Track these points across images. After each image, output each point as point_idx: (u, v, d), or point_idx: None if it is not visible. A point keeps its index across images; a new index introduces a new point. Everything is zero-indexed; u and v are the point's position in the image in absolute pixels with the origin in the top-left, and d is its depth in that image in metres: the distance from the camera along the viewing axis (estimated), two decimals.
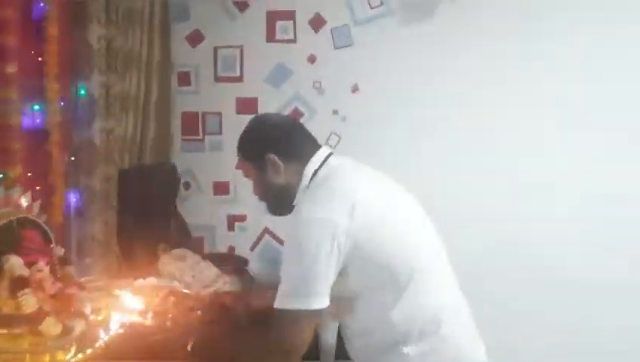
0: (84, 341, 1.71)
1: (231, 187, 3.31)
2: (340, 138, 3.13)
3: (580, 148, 2.98)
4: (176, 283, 2.39)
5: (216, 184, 3.32)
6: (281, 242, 3.28)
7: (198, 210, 3.31)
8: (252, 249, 3.31)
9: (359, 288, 1.23)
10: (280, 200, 1.39)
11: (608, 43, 2.94)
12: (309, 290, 1.17)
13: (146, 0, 2.80)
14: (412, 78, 3.03)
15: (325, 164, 1.34)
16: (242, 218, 3.32)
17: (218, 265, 2.99)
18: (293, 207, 1.36)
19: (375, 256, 1.21)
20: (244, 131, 1.45)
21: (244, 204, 3.30)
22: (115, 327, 1.84)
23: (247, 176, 1.46)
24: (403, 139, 3.03)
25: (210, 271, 2.94)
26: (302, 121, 3.18)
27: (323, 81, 3.15)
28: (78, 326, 1.72)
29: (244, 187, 3.28)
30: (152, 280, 2.37)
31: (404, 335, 1.21)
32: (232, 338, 1.44)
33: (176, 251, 2.96)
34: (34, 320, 1.60)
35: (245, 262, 3.29)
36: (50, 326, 1.62)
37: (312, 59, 3.15)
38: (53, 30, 2.08)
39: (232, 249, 3.34)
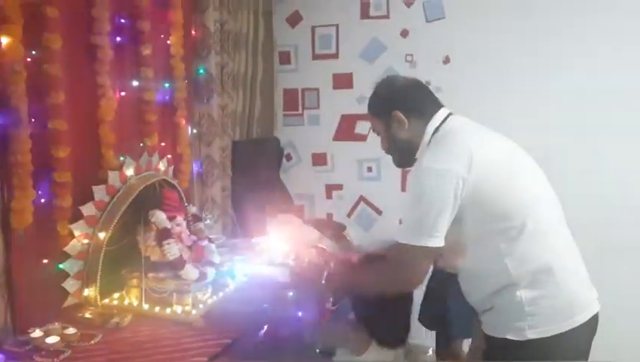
0: (218, 285, 1.91)
1: (328, 158, 3.42)
2: None
3: None
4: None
5: (314, 155, 3.45)
6: (375, 209, 3.36)
7: (299, 179, 3.46)
8: (349, 215, 3.41)
9: (475, 234, 1.27)
10: (404, 154, 1.47)
11: None
12: (427, 230, 1.24)
13: None
14: (503, 48, 2.94)
15: (445, 122, 1.40)
16: (339, 187, 3.42)
17: (318, 230, 3.15)
18: (416, 160, 1.43)
19: (490, 204, 1.25)
20: (374, 91, 1.53)
21: (341, 174, 3.41)
22: (240, 276, 2.02)
23: (375, 131, 1.55)
24: (496, 108, 2.96)
25: (312, 234, 3.09)
26: None
27: (415, 54, 3.14)
28: (211, 273, 1.91)
29: (341, 158, 3.41)
30: (265, 240, 2.55)
31: (517, 279, 1.24)
32: (357, 271, 1.55)
33: (282, 216, 3.14)
34: (176, 266, 1.80)
35: (343, 227, 3.41)
36: (190, 272, 1.82)
37: (404, 34, 3.15)
38: (177, 16, 2.26)
39: (330, 216, 3.46)
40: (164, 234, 1.81)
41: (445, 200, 1.23)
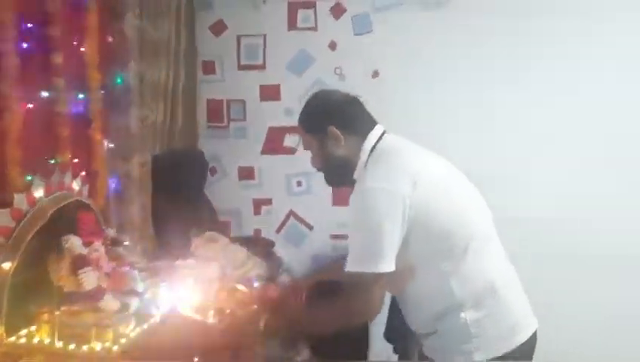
0: (141, 317, 1.78)
1: (256, 172, 3.36)
2: None
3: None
4: (213, 265, 2.45)
5: (241, 169, 3.37)
6: (306, 224, 3.34)
7: (225, 194, 3.37)
8: (278, 231, 3.37)
9: (419, 257, 1.28)
10: (339, 172, 1.45)
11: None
12: (376, 254, 1.23)
13: None
14: (432, 63, 3.06)
15: (381, 140, 1.40)
16: (267, 201, 3.37)
17: (246, 247, 3.08)
18: (351, 179, 1.42)
19: (436, 224, 1.27)
20: (307, 105, 1.50)
21: (270, 188, 3.36)
22: (166, 305, 1.91)
23: (307, 148, 1.51)
24: (424, 125, 3.06)
25: (240, 252, 3.00)
26: None
27: (344, 67, 3.18)
28: (134, 303, 1.78)
29: (269, 172, 3.36)
30: (190, 262, 2.43)
31: (461, 301, 1.26)
32: (302, 310, 1.49)
33: (208, 234, 3.02)
34: (94, 296, 1.66)
35: (272, 244, 3.36)
36: (110, 303, 1.68)
37: (332, 46, 3.18)
38: (93, 21, 2.11)
39: (258, 232, 3.40)
40: (79, 262, 1.66)
41: (393, 220, 1.23)
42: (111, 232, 1.94)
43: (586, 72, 2.95)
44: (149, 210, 2.67)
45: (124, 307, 1.73)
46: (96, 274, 1.70)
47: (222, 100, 3.34)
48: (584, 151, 2.96)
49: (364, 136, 1.41)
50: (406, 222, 1.24)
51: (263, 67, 3.27)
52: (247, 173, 3.37)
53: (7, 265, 1.56)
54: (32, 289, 1.65)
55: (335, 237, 3.31)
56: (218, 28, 3.27)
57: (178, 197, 2.90)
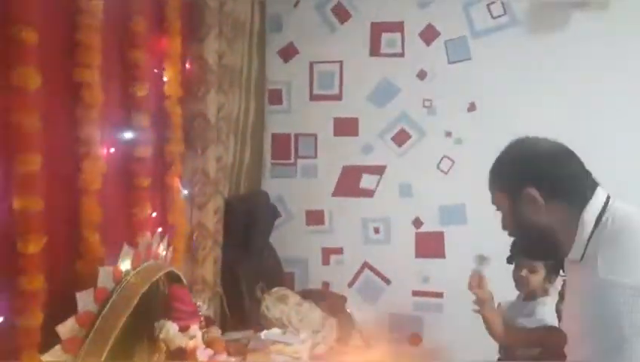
0: None
1: (326, 216, 3.02)
2: (453, 162, 2.84)
3: None
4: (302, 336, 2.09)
5: (309, 213, 3.04)
6: (382, 277, 2.98)
7: (290, 241, 3.03)
8: (350, 285, 3.01)
9: None
10: (538, 243, 1.22)
11: None
12: None
13: (247, 11, 2.54)
14: (539, 92, 2.72)
15: (608, 208, 1.09)
16: (338, 251, 3.02)
17: (313, 303, 2.72)
18: (553, 253, 1.22)
19: None
20: (502, 154, 1.24)
21: (341, 236, 3.01)
22: None
23: (497, 206, 1.25)
24: None
25: (314, 313, 2.64)
26: (409, 143, 2.93)
27: (434, 99, 2.86)
28: None
29: (341, 216, 3.01)
30: (276, 333, 2.08)
31: None
32: None
33: (277, 291, 2.67)
34: None
35: (343, 299, 3.00)
36: None
37: (422, 75, 2.87)
38: (175, 45, 1.81)
39: (326, 285, 3.04)
40: (179, 356, 1.32)
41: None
42: (203, 308, 1.59)
43: None
44: (219, 264, 2.33)
45: None
46: None
47: (289, 134, 3.02)
48: None
49: (576, 202, 1.14)
50: None
51: (338, 97, 2.96)
52: (316, 218, 3.03)
53: None
54: None
55: (417, 293, 2.94)
56: (288, 52, 2.98)
57: (248, 249, 2.56)
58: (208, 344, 1.51)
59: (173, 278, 1.57)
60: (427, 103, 2.87)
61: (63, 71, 1.31)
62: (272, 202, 2.99)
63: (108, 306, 1.29)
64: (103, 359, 1.23)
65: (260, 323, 2.42)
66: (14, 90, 1.10)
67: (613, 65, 2.69)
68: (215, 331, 1.59)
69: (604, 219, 1.10)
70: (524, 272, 2.01)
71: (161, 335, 1.32)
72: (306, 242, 3.04)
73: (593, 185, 1.16)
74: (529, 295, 2.05)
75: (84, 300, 1.25)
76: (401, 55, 2.88)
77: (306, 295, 2.83)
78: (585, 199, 1.13)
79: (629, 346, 0.99)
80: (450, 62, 2.85)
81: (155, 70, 1.77)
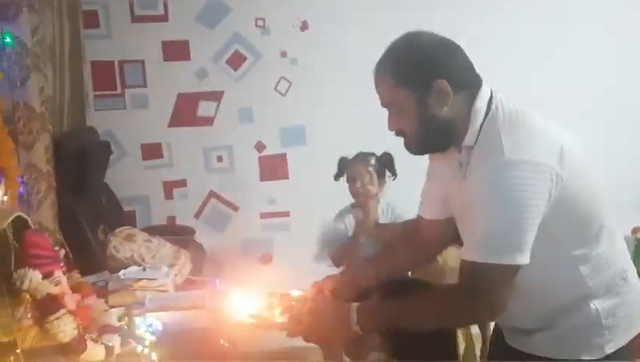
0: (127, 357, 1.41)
1: (164, 149, 2.92)
2: (290, 84, 2.92)
3: None
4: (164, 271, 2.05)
5: (144, 146, 2.90)
6: (230, 205, 3.02)
7: (127, 179, 2.88)
8: (197, 216, 3.01)
9: (552, 243, 1.16)
10: (439, 137, 1.22)
11: None
12: (517, 243, 1.07)
13: None
14: (371, 9, 2.84)
15: (494, 100, 1.19)
16: (182, 183, 2.97)
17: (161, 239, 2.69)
18: (448, 144, 1.22)
19: (577, 205, 1.14)
20: (402, 49, 1.20)
21: (183, 168, 2.95)
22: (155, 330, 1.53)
23: (389, 105, 1.22)
24: (361, 83, 2.93)
25: (165, 248, 2.62)
26: (245, 66, 2.91)
27: (267, 18, 2.86)
28: (116, 341, 1.40)
29: (181, 148, 2.94)
30: (134, 272, 2.01)
31: (593, 289, 1.18)
32: (405, 302, 1.23)
33: (121, 231, 2.57)
34: (76, 348, 1.26)
35: (191, 231, 2.99)
36: (94, 353, 1.30)
37: None
38: None
39: (172, 219, 3.00)
40: (48, 305, 1.23)
41: (539, 202, 1.08)
42: (61, 252, 1.48)
43: None
44: (56, 210, 2.13)
45: (109, 351, 1.35)
46: (72, 317, 1.28)
47: (112, 62, 2.78)
48: None
49: (474, 93, 1.19)
50: (550, 203, 1.11)
51: (164, 18, 2.79)
52: (153, 151, 2.90)
53: None
54: None
55: (265, 215, 3.06)
56: None
57: (84, 190, 2.38)
58: (74, 289, 1.42)
59: (22, 226, 1.41)
60: (260, 22, 2.86)
61: None
62: (101, 138, 2.78)
63: None
64: None
65: (108, 265, 2.32)
66: None
67: None
68: (77, 275, 1.49)
69: (492, 107, 1.18)
70: (358, 184, 2.13)
71: (24, 286, 1.20)
72: (144, 178, 2.92)
73: (479, 78, 1.24)
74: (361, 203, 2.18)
75: None
76: None
77: (152, 231, 2.76)
78: (476, 89, 1.19)
79: (526, 221, 1.07)
80: None
81: None
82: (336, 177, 2.23)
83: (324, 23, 2.88)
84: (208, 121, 2.92)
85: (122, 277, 1.92)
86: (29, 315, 1.23)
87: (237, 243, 3.06)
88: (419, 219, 1.44)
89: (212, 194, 3.00)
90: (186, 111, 2.89)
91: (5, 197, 1.40)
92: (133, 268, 2.04)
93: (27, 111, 1.84)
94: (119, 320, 1.51)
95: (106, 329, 1.41)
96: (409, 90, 1.18)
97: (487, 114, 1.18)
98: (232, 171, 2.99)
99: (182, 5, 2.79)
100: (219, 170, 2.98)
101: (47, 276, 1.29)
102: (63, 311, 1.24)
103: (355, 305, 1.23)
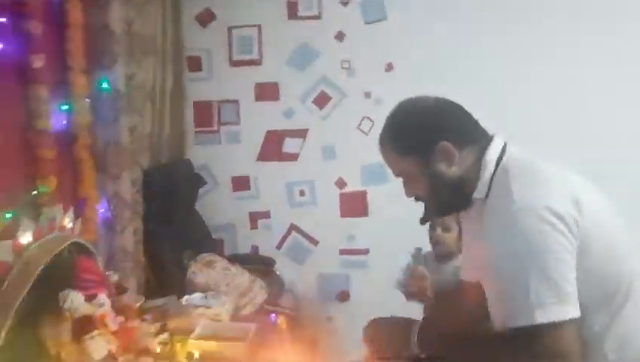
0: None
1: (251, 181, 3.07)
2: (373, 123, 2.93)
3: None
4: (223, 299, 2.15)
5: (234, 179, 3.08)
6: (310, 239, 3.08)
7: (217, 208, 3.07)
8: (278, 247, 3.10)
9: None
10: (452, 196, 1.19)
11: None
12: (564, 291, 0.97)
13: None
14: (455, 54, 2.83)
15: (506, 152, 1.16)
16: (265, 215, 3.09)
17: (243, 267, 2.80)
18: (468, 201, 1.17)
19: (603, 259, 1.02)
20: (399, 120, 1.21)
21: (268, 200, 3.08)
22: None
23: (400, 175, 1.23)
24: None
25: (242, 276, 2.72)
26: (330, 106, 2.99)
27: (352, 61, 2.92)
28: None
29: (266, 181, 3.07)
30: (197, 299, 2.13)
31: None
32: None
33: (204, 257, 2.72)
34: None
35: (272, 262, 3.09)
36: None
37: (340, 37, 2.92)
38: (76, 13, 1.77)
39: (255, 249, 3.12)
40: (84, 325, 1.36)
41: (559, 247, 0.98)
42: (114, 276, 1.63)
43: None
44: (141, 235, 2.34)
45: None
46: (106, 338, 1.40)
47: (211, 102, 3.02)
48: None
49: (483, 147, 1.17)
50: (573, 250, 1.00)
51: (258, 62, 2.97)
52: (241, 183, 3.07)
53: None
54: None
55: (344, 252, 3.07)
56: (205, 17, 2.95)
57: (171, 218, 2.59)
58: (119, 311, 1.55)
59: (83, 249, 1.59)
60: (345, 65, 2.93)
61: None
62: (196, 170, 3.01)
63: (7, 281, 1.31)
64: (3, 334, 1.26)
65: (187, 290, 2.48)
66: None
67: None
68: (128, 298, 1.63)
69: (504, 159, 1.15)
70: (438, 231, 2.00)
71: (65, 305, 1.35)
72: (233, 208, 3.08)
73: (487, 133, 1.21)
74: (444, 255, 2.03)
75: None
76: (318, 17, 2.91)
77: (235, 259, 2.90)
78: (486, 142, 1.18)
79: (557, 266, 0.99)
80: (366, 23, 2.90)
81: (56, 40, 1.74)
82: (422, 221, 2.12)
83: (408, 64, 2.87)
84: (293, 157, 3.02)
85: (184, 302, 2.04)
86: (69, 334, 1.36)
87: (315, 278, 3.09)
88: (461, 283, 1.38)
89: (293, 227, 3.08)
90: (273, 147, 3.02)
91: (70, 224, 1.59)
92: (197, 295, 2.15)
93: (116, 147, 2.06)
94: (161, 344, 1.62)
95: (142, 353, 1.52)
96: (413, 157, 1.18)
97: (497, 165, 1.13)
98: (314, 206, 3.06)
99: (275, 50, 2.95)
100: (301, 204, 3.06)
101: (90, 298, 1.42)
102: (96, 331, 1.36)
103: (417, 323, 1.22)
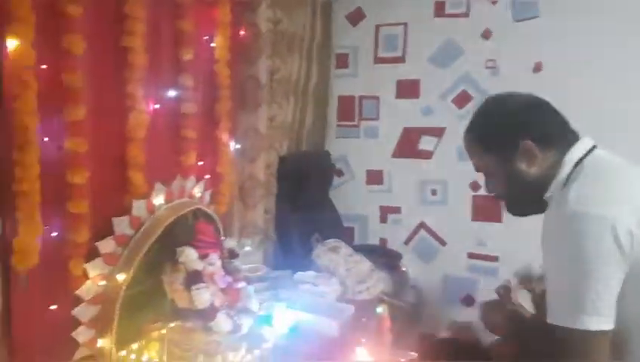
0: (254, 338, 1.68)
1: (385, 176, 3.14)
2: None
3: None
4: (332, 281, 2.28)
5: (370, 172, 3.18)
6: (438, 239, 3.05)
7: (351, 199, 3.21)
8: (406, 243, 3.12)
9: (635, 319, 0.98)
10: (528, 196, 1.18)
11: None
12: (583, 304, 0.96)
13: None
14: (612, 54, 2.55)
15: (590, 154, 1.11)
16: (396, 210, 3.14)
17: (369, 257, 2.89)
18: (543, 203, 1.14)
19: None
20: (485, 115, 1.22)
21: (400, 196, 3.12)
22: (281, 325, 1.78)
23: (481, 169, 1.24)
24: (595, 127, 2.59)
25: (363, 264, 2.81)
26: (470, 106, 2.92)
27: (499, 60, 2.81)
28: (247, 323, 1.68)
29: (400, 177, 3.11)
30: (310, 275, 2.30)
31: None
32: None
33: (330, 242, 2.88)
34: (207, 316, 1.58)
35: (398, 256, 3.14)
36: (222, 323, 1.59)
37: (486, 35, 2.82)
38: (224, 14, 2.04)
39: (383, 242, 3.19)
40: (193, 278, 1.59)
41: (608, 259, 0.95)
42: (230, 243, 1.85)
43: None
44: (273, 213, 2.59)
45: (237, 328, 1.63)
46: (210, 291, 1.61)
47: (354, 97, 3.16)
48: None
49: (565, 148, 1.13)
50: (626, 265, 0.95)
51: (402, 60, 3.02)
52: (375, 177, 3.16)
53: (121, 277, 1.53)
54: (145, 300, 1.61)
55: (473, 256, 2.97)
56: (355, 16, 3.09)
57: (302, 201, 2.79)
58: (229, 272, 1.77)
59: (208, 216, 1.85)
60: (490, 64, 2.82)
61: (111, 39, 1.59)
62: (334, 161, 3.19)
63: (140, 231, 1.60)
64: (131, 272, 1.54)
65: (309, 269, 2.66)
66: (63, 54, 1.40)
67: None
68: (238, 263, 1.84)
69: (586, 160, 1.10)
70: None
71: (181, 259, 1.59)
72: (366, 200, 3.19)
73: (575, 132, 1.16)
74: None
75: (119, 225, 1.56)
76: (466, 15, 2.85)
77: (365, 248, 3.01)
78: (569, 143, 1.14)
79: (596, 276, 0.97)
80: (516, 21, 2.76)
81: (205, 37, 2.02)
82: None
83: (558, 64, 2.67)
84: (428, 155, 3.02)
85: (295, 277, 2.22)
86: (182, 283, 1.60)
87: (440, 278, 3.06)
88: None
89: (422, 226, 3.08)
90: (409, 144, 3.06)
91: (199, 193, 1.85)
92: (310, 273, 2.31)
93: (254, 133, 2.32)
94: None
95: (242, 311, 1.72)
96: (496, 154, 1.18)
97: (575, 167, 1.10)
98: (445, 206, 3.02)
99: (418, 47, 2.97)
100: (432, 202, 3.05)
101: (202, 256, 1.66)
102: (203, 284, 1.58)
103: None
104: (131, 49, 1.61)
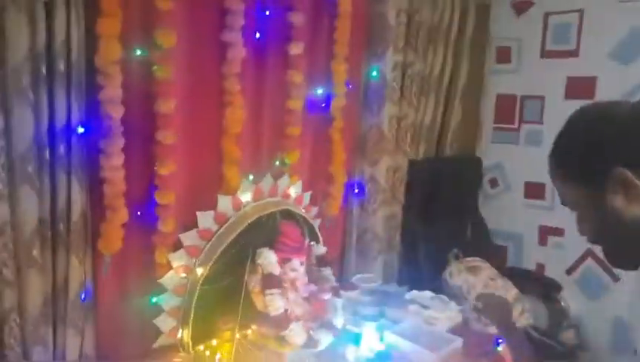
0: (333, 357, 1.53)
1: (547, 191, 2.68)
2: None
3: None
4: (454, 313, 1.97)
5: (528, 185, 2.74)
6: (609, 272, 2.49)
7: (505, 213, 2.81)
8: (568, 273, 2.62)
9: None
10: (631, 243, 0.88)
11: None
12: None
13: None
14: None
15: None
16: (559, 232, 2.65)
17: (520, 284, 2.48)
18: None
19: None
20: (568, 131, 0.93)
21: (563, 215, 2.60)
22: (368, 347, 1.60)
23: (568, 204, 0.94)
24: None
25: (506, 292, 2.44)
26: None
27: None
28: (325, 339, 1.55)
29: None
30: (426, 297, 2.03)
31: None
32: None
33: (470, 261, 2.56)
34: (279, 324, 1.49)
35: (557, 287, 2.65)
36: (296, 334, 1.50)
37: None
38: (345, 5, 1.92)
39: (541, 267, 2.73)
40: (268, 282, 1.52)
41: None
42: (320, 250, 1.74)
43: None
44: (399, 222, 2.39)
45: (312, 343, 1.52)
46: (285, 298, 1.52)
47: (514, 96, 2.76)
48: None
49: None
50: None
51: (575, 53, 2.53)
52: (536, 191, 2.71)
53: (199, 271, 1.53)
54: (222, 297, 1.58)
55: None
56: (522, 4, 2.69)
57: (436, 212, 2.53)
58: (314, 280, 1.65)
59: (300, 219, 1.76)
60: None
61: (210, 33, 1.60)
62: (487, 169, 2.83)
63: (224, 227, 1.58)
64: (209, 267, 1.53)
65: (440, 289, 2.38)
66: (155, 48, 1.44)
67: None
68: (328, 272, 1.70)
69: None
70: None
71: (259, 261, 1.53)
72: (522, 216, 2.77)
73: None
74: None
75: (203, 219, 1.56)
76: None
77: (513, 272, 2.62)
78: None
79: None
80: None
81: (324, 30, 1.93)
82: None
83: None
84: None
85: (407, 296, 1.99)
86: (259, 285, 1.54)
87: (610, 321, 2.50)
88: None
89: (590, 254, 2.55)
90: None
91: (295, 194, 1.77)
92: (425, 293, 2.05)
93: (377, 134, 2.15)
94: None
95: (324, 325, 1.59)
96: (582, 185, 0.89)
97: None
98: None
99: (596, 39, 2.46)
100: None
101: (283, 261, 1.57)
102: (277, 290, 1.50)
103: None
104: (231, 44, 1.60)
